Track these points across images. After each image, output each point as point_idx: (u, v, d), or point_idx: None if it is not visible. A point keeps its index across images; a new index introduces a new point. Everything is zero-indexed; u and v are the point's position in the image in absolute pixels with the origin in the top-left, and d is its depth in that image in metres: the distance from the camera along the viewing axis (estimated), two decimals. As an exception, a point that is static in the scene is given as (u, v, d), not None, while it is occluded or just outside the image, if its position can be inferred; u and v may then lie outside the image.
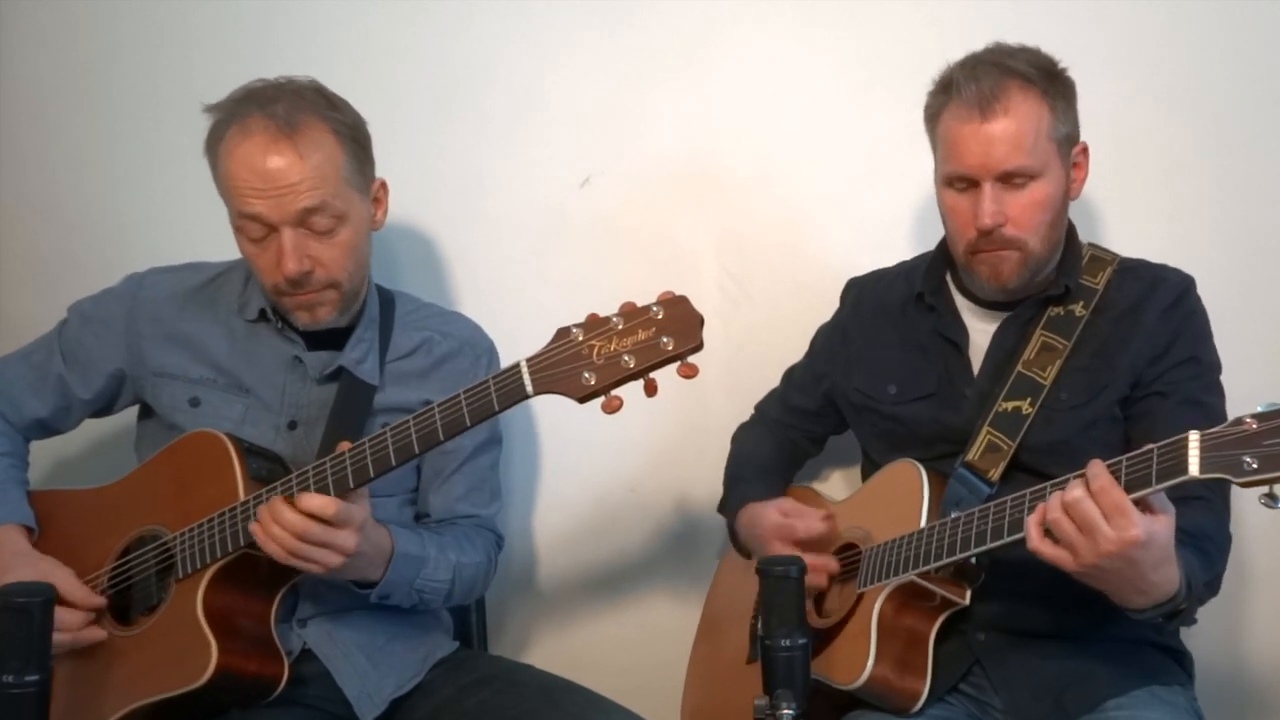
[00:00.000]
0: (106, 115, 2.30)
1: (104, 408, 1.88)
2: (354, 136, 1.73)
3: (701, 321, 1.41)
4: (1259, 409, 1.30)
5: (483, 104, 2.23)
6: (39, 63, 2.31)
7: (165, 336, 1.81)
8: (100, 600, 1.70)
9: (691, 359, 1.42)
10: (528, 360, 1.47)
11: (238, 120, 1.68)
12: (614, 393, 1.44)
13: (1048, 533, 1.43)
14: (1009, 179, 1.66)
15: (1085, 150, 1.75)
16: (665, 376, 1.43)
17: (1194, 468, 1.32)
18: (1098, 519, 1.38)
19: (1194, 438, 1.33)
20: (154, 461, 1.75)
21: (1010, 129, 1.65)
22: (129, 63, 2.29)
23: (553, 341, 1.46)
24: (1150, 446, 1.37)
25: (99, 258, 2.25)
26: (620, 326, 1.43)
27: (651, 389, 1.44)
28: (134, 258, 1.95)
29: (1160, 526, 1.39)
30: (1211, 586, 1.60)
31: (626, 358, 1.41)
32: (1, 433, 1.84)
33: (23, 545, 1.74)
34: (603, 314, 1.45)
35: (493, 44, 2.22)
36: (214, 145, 1.71)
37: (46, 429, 1.88)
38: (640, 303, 1.44)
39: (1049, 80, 1.68)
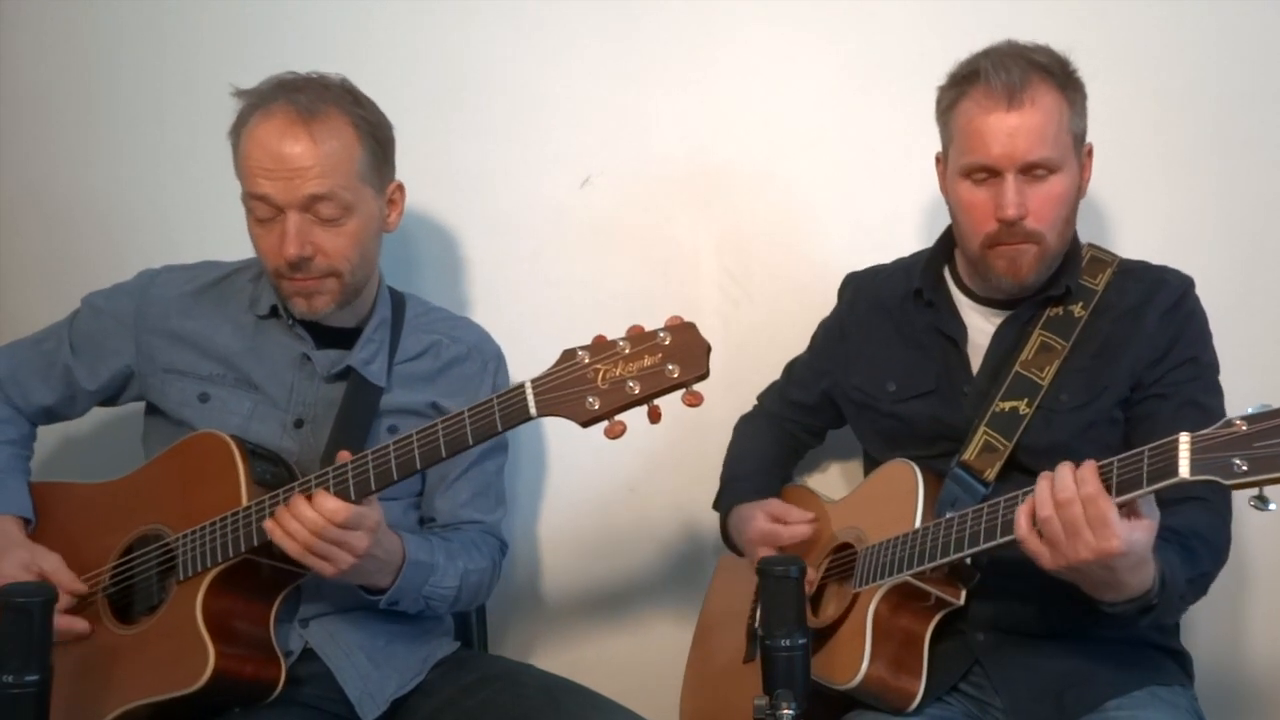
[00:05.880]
0: (109, 112, 2.30)
1: (109, 399, 1.88)
2: (374, 134, 1.75)
3: (708, 350, 1.40)
4: (1249, 411, 1.29)
5: (483, 104, 2.23)
6: (40, 60, 2.31)
7: (174, 334, 1.81)
8: (83, 587, 1.70)
9: (697, 387, 1.41)
10: (533, 381, 1.46)
11: (264, 104, 1.70)
12: (617, 418, 1.43)
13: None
14: (1031, 171, 1.66)
15: (1091, 151, 1.76)
16: (668, 399, 1.43)
17: (1184, 469, 1.32)
18: (1082, 525, 1.40)
19: (1184, 439, 1.33)
20: (159, 460, 1.76)
21: (1036, 120, 1.65)
22: (131, 60, 2.29)
23: (558, 363, 1.45)
24: (1142, 448, 1.37)
25: (102, 255, 2.26)
26: (626, 351, 1.42)
27: (655, 415, 1.44)
28: (137, 255, 1.95)
29: (1140, 534, 1.41)
30: (1196, 585, 1.58)
31: (631, 384, 1.41)
32: (9, 420, 1.84)
33: (17, 535, 1.74)
34: (609, 333, 1.44)
35: (493, 44, 2.22)
36: (239, 128, 1.73)
37: (54, 416, 1.89)
38: (642, 311, 1.44)
39: (1067, 76, 1.70)
